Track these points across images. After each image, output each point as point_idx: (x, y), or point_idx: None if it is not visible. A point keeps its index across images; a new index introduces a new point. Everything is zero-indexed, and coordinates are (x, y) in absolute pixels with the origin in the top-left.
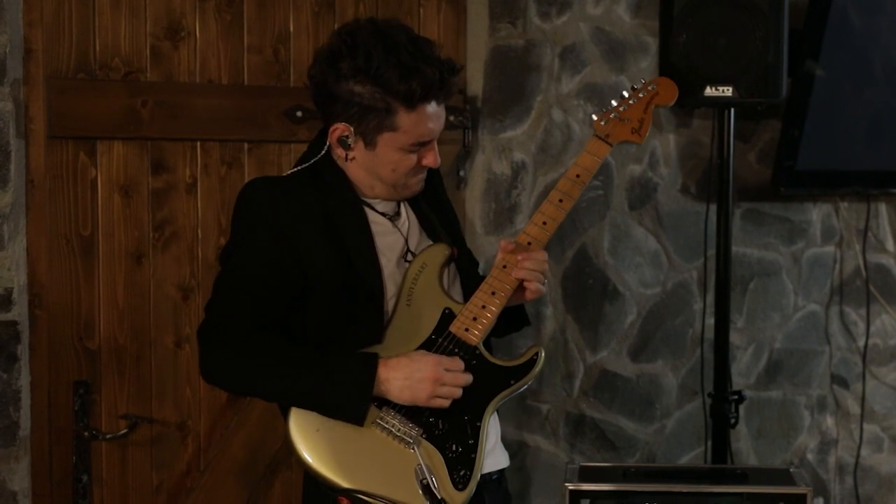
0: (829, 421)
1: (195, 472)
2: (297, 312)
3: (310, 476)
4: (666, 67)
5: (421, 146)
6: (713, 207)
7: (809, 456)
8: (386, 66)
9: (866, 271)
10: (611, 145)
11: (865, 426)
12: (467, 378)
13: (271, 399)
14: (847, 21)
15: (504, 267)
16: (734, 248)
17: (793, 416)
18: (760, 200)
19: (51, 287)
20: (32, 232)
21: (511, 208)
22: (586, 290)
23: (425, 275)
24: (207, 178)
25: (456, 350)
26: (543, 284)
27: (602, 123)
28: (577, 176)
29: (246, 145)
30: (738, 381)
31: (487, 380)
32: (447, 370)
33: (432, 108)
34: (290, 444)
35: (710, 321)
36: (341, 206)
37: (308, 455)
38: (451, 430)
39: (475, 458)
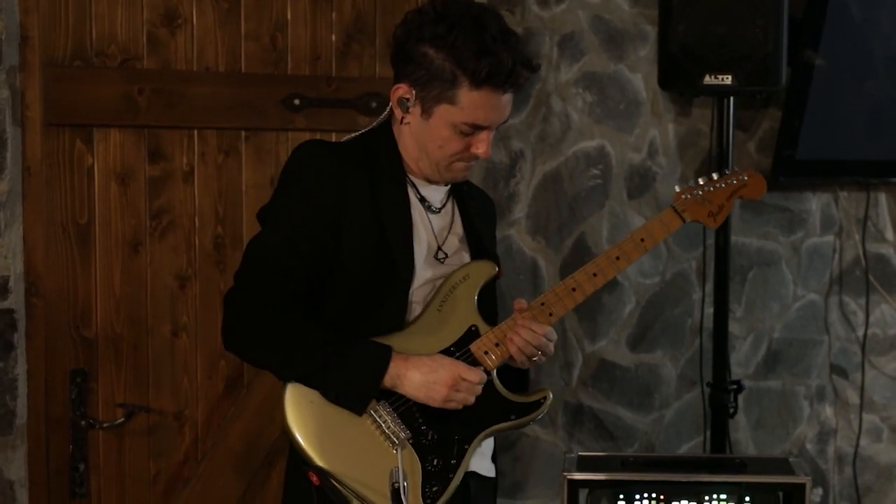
0: (829, 411)
1: (192, 461)
2: (325, 286)
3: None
4: (665, 56)
5: (474, 130)
6: None
7: (808, 446)
8: (465, 40)
9: (866, 261)
10: (684, 221)
11: (864, 416)
12: (479, 391)
13: (282, 375)
14: (847, 10)
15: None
16: (733, 238)
17: (792, 406)
18: None
19: (47, 275)
20: (29, 220)
21: (509, 197)
22: None
23: (465, 286)
24: (204, 166)
25: None
26: (536, 357)
27: (682, 197)
28: (642, 240)
29: (243, 133)
30: (737, 371)
31: (490, 408)
32: (464, 379)
33: (497, 96)
34: (281, 408)
35: (709, 311)
36: (387, 184)
37: (294, 424)
38: (438, 444)
39: (452, 478)
